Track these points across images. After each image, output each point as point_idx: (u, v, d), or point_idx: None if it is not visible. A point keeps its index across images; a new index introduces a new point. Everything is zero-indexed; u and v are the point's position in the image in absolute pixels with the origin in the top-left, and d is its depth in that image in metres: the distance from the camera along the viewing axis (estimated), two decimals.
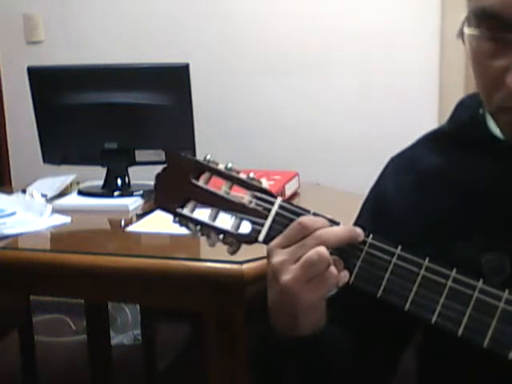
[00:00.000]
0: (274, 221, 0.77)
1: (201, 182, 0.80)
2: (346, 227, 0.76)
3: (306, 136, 2.76)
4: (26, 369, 2.47)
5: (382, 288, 0.74)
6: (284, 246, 0.75)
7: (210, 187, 0.79)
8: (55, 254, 1.57)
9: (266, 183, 0.80)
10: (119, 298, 1.88)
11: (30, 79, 2.02)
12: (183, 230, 0.82)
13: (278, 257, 0.74)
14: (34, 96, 2.02)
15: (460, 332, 0.72)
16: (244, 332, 1.42)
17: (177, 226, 0.81)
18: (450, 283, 0.73)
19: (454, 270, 0.73)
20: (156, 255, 1.47)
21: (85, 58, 2.59)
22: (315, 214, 0.77)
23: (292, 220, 0.76)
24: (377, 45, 2.64)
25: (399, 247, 0.75)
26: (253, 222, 0.78)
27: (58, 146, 2.07)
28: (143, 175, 1.86)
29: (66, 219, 1.77)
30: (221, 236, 0.79)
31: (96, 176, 2.07)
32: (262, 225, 0.78)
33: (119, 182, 2.01)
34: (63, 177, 2.11)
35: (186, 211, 0.80)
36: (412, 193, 0.90)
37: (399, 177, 0.92)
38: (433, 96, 2.61)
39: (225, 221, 0.80)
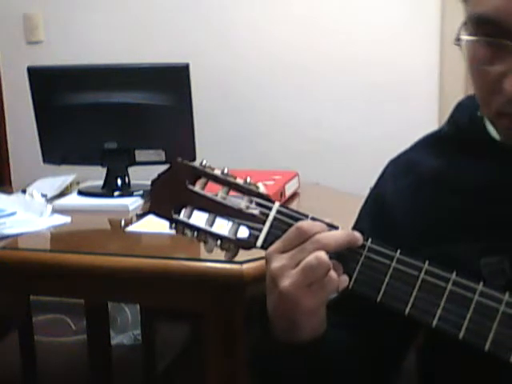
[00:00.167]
0: (271, 226, 0.77)
1: (197, 188, 0.79)
2: (345, 231, 0.76)
3: (305, 136, 2.76)
4: (26, 369, 2.48)
5: (381, 292, 0.74)
6: (283, 251, 0.74)
7: (207, 193, 0.79)
8: (55, 254, 1.57)
9: (263, 188, 0.79)
10: (119, 298, 1.88)
11: (29, 79, 2.01)
12: None
13: (277, 262, 0.74)
14: (34, 96, 2.02)
15: (461, 335, 0.71)
16: (244, 332, 1.42)
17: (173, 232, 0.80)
18: (450, 286, 0.72)
19: (454, 273, 0.73)
20: (156, 255, 1.47)
21: (85, 58, 2.59)
22: (313, 219, 0.77)
23: (290, 225, 0.76)
24: (377, 45, 2.64)
25: (398, 251, 0.74)
26: (250, 228, 0.78)
27: (58, 146, 2.07)
28: (143, 175, 1.86)
29: (66, 219, 1.77)
30: (218, 242, 0.79)
31: (96, 176, 2.07)
32: (260, 230, 0.77)
33: (119, 182, 2.01)
34: (63, 177, 2.11)
35: (182, 217, 0.79)
36: (411, 195, 0.90)
37: (398, 179, 0.92)
38: (433, 96, 2.61)
39: (222, 226, 0.79)
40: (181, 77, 1.94)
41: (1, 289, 1.78)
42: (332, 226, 0.76)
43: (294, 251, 0.74)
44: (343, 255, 0.75)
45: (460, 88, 2.36)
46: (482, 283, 0.72)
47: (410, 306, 0.73)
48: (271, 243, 0.76)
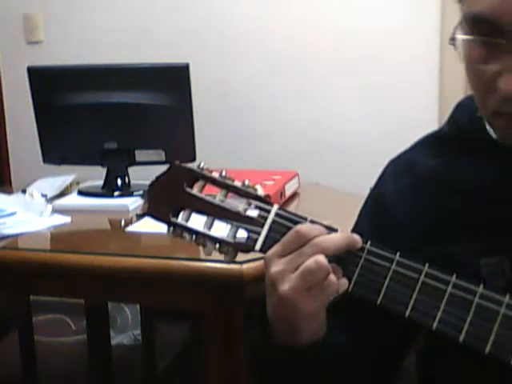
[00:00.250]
0: (270, 229, 0.77)
1: (195, 191, 0.79)
2: (344, 234, 0.75)
3: (305, 136, 2.76)
4: (26, 369, 2.47)
5: (381, 295, 0.74)
6: (282, 255, 0.74)
7: (205, 195, 0.78)
8: (55, 254, 1.57)
9: (261, 190, 0.78)
10: (119, 298, 1.88)
11: (29, 79, 2.01)
12: None
13: (276, 266, 0.74)
14: (34, 96, 2.02)
15: (461, 338, 0.71)
16: (244, 332, 1.42)
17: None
18: (450, 289, 0.72)
19: (454, 276, 0.72)
20: (156, 255, 1.47)
21: (85, 58, 2.59)
22: (312, 222, 0.76)
23: (289, 228, 0.75)
24: (377, 45, 2.64)
25: (398, 253, 0.74)
26: (249, 231, 0.77)
27: (58, 146, 2.07)
28: (143, 175, 1.86)
29: (66, 219, 1.77)
30: (217, 245, 0.78)
31: (96, 176, 2.06)
32: (259, 233, 0.77)
33: (119, 182, 2.01)
34: (63, 177, 2.11)
35: (180, 220, 0.79)
36: (410, 196, 0.90)
37: (398, 180, 0.92)
38: (433, 96, 2.61)
39: (220, 229, 0.78)
40: (181, 77, 1.94)
41: (1, 289, 1.78)
42: (331, 229, 0.76)
43: (293, 255, 0.73)
44: (342, 258, 0.75)
45: (460, 88, 2.36)
46: (482, 285, 0.72)
47: (410, 308, 0.73)
48: (270, 247, 0.76)
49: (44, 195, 1.90)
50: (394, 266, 0.74)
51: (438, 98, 2.60)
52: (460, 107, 0.92)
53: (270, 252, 0.75)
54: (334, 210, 1.71)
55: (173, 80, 1.99)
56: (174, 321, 2.81)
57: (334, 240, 0.74)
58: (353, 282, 0.75)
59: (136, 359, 2.62)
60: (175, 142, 1.99)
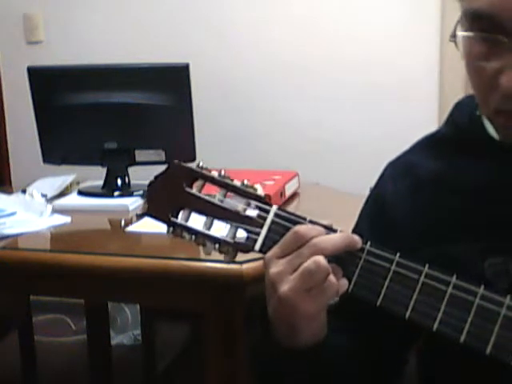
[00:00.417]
0: (269, 229, 0.76)
1: (194, 190, 0.78)
2: (343, 234, 0.75)
3: (305, 136, 2.76)
4: (26, 369, 2.47)
5: (381, 296, 0.74)
6: (281, 256, 0.74)
7: (204, 195, 0.78)
8: (55, 254, 1.57)
9: (260, 190, 0.78)
10: (119, 298, 1.88)
11: (29, 79, 2.01)
12: None
13: (276, 267, 0.74)
14: (34, 96, 2.02)
15: (462, 339, 0.71)
16: (244, 332, 1.42)
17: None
18: (450, 290, 0.72)
19: (455, 277, 0.72)
20: (156, 255, 1.47)
21: (85, 58, 2.59)
22: (312, 222, 0.76)
23: (288, 228, 0.75)
24: (377, 45, 2.64)
25: (398, 254, 0.74)
26: (248, 231, 0.77)
27: (58, 146, 2.07)
28: (143, 175, 1.85)
29: (66, 219, 1.77)
30: (216, 245, 0.78)
31: (96, 176, 2.06)
32: (258, 233, 0.76)
33: (119, 182, 2.01)
34: (63, 177, 2.11)
35: (179, 220, 0.79)
36: (410, 196, 0.89)
37: (397, 181, 0.92)
38: (433, 96, 2.61)
39: (220, 229, 0.78)
40: (181, 77, 1.94)
41: (1, 289, 1.78)
42: (331, 229, 0.75)
43: (292, 256, 0.73)
44: (342, 259, 0.74)
45: (460, 87, 2.36)
46: (482, 286, 0.71)
47: (410, 309, 0.73)
48: (269, 247, 0.75)
49: (44, 195, 1.90)
50: (393, 267, 0.73)
51: (438, 98, 2.60)
52: (459, 107, 0.92)
53: (270, 253, 0.75)
54: (334, 210, 1.71)
55: (173, 80, 1.98)
56: (173, 321, 2.81)
57: (333, 240, 0.73)
58: (352, 283, 0.75)
59: (136, 359, 2.62)
60: (175, 142, 1.99)
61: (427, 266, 0.73)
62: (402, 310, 0.73)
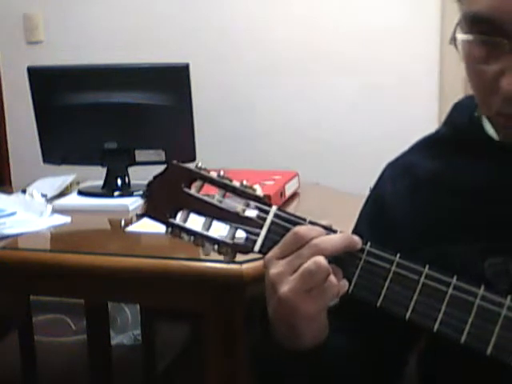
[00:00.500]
0: (269, 230, 0.76)
1: (193, 191, 0.78)
2: (343, 235, 0.75)
3: (305, 136, 2.76)
4: (26, 369, 2.48)
5: (381, 297, 0.73)
6: (281, 257, 0.73)
7: (203, 196, 0.78)
8: (55, 254, 1.57)
9: (260, 190, 0.77)
10: (119, 298, 1.88)
11: (29, 79, 2.01)
12: None
13: (275, 268, 0.73)
14: (34, 96, 2.02)
15: (462, 339, 0.71)
16: (244, 332, 1.42)
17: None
18: (450, 291, 0.72)
19: (455, 277, 0.72)
20: (156, 255, 1.47)
21: (85, 58, 2.59)
22: (311, 223, 0.76)
23: (288, 229, 0.75)
24: (377, 45, 2.64)
25: (398, 255, 0.74)
26: (248, 232, 0.76)
27: (58, 146, 2.07)
28: (143, 175, 1.85)
29: (66, 219, 1.77)
30: (215, 246, 0.78)
31: (96, 176, 2.06)
32: (258, 234, 0.76)
33: (119, 182, 2.01)
34: (63, 177, 2.11)
35: (178, 221, 0.78)
36: (409, 197, 0.89)
37: (396, 182, 0.92)
38: (433, 96, 2.61)
39: (219, 229, 0.78)
40: (181, 77, 1.94)
41: (1, 289, 1.78)
42: (330, 230, 0.75)
43: (292, 257, 0.73)
44: (342, 259, 0.74)
45: (460, 88, 2.36)
46: (483, 287, 0.71)
47: (410, 310, 0.72)
48: (269, 248, 0.75)
49: (44, 195, 1.90)
50: (394, 268, 0.73)
51: (438, 98, 2.60)
52: (458, 107, 0.92)
53: (269, 254, 0.75)
54: (334, 210, 1.71)
55: (173, 80, 1.98)
56: (174, 321, 2.81)
57: (333, 241, 0.73)
58: (353, 284, 0.74)
59: (136, 359, 2.62)
60: (175, 142, 1.99)
61: (427, 266, 0.73)
62: (402, 310, 0.73)
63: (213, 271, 1.38)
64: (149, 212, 0.80)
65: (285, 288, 0.72)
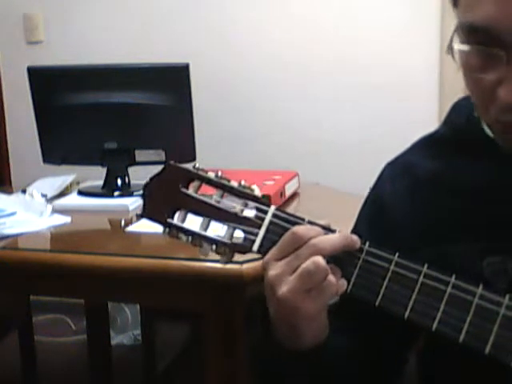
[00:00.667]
0: (267, 230, 0.76)
1: (190, 191, 0.78)
2: (342, 235, 0.75)
3: (306, 136, 2.76)
4: (26, 369, 2.48)
5: (380, 296, 0.73)
6: (279, 258, 0.74)
7: (201, 196, 0.77)
8: (55, 254, 1.57)
9: (258, 190, 0.77)
10: (119, 298, 1.88)
11: (29, 79, 2.01)
12: None
13: (274, 270, 0.73)
14: (34, 96, 2.02)
15: (461, 338, 0.71)
16: (244, 332, 1.42)
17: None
18: (449, 289, 0.72)
19: (454, 276, 0.72)
20: (156, 255, 1.47)
21: (85, 58, 2.59)
22: (310, 222, 0.76)
23: (286, 229, 0.75)
24: (377, 45, 2.64)
25: (397, 254, 0.74)
26: (246, 232, 0.76)
27: (58, 146, 2.07)
28: (143, 175, 1.85)
29: (66, 219, 1.77)
30: (213, 246, 0.77)
31: (96, 176, 2.06)
32: (256, 234, 0.76)
33: (119, 182, 2.01)
34: (63, 177, 2.11)
35: (176, 221, 0.78)
36: (408, 197, 0.89)
37: (395, 182, 0.92)
38: (433, 96, 2.61)
39: (217, 229, 0.78)
40: (181, 77, 1.94)
41: (1, 289, 1.78)
42: (329, 230, 0.75)
43: (290, 257, 0.73)
44: (341, 259, 0.74)
45: (460, 88, 2.35)
46: (481, 286, 0.71)
47: (409, 309, 0.72)
48: (267, 247, 0.75)
49: (44, 195, 1.90)
50: (392, 267, 0.73)
51: (438, 98, 2.60)
52: (457, 108, 0.92)
53: (268, 256, 0.75)
54: (334, 210, 1.71)
55: (173, 80, 1.98)
56: (174, 321, 2.81)
57: (332, 241, 0.73)
58: (351, 283, 0.74)
59: (136, 359, 2.62)
60: (175, 142, 1.99)
61: (426, 265, 0.73)
62: (401, 310, 0.73)
63: (213, 271, 1.38)
64: (146, 212, 0.80)
65: (284, 289, 0.72)
